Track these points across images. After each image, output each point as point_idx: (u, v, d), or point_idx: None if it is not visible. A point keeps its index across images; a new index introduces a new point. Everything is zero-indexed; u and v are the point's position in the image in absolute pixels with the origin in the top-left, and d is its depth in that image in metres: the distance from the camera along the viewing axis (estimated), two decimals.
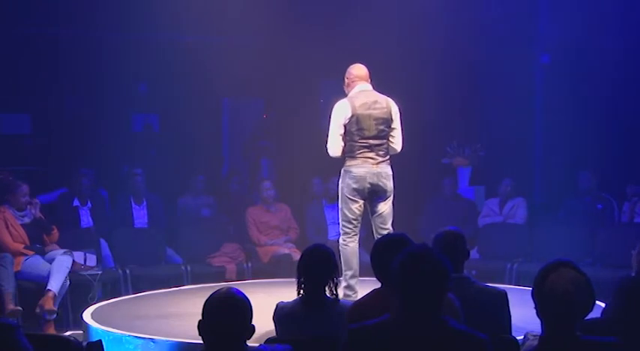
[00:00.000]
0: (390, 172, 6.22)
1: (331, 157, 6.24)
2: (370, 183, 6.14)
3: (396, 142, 6.24)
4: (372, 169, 6.13)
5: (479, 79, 10.08)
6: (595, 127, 9.59)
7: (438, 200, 9.60)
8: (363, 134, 6.10)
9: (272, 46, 10.29)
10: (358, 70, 6.28)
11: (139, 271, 8.42)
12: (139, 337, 5.49)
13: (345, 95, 6.28)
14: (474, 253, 8.92)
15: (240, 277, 8.66)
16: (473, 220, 9.36)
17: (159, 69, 10.30)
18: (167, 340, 5.37)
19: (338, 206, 9.13)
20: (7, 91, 9.95)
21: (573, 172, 9.34)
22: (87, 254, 8.08)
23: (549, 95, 10.24)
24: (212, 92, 11.12)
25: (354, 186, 6.16)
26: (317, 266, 4.25)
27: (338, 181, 6.34)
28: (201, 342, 3.01)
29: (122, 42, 10.28)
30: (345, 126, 6.11)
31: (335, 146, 6.16)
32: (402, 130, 6.26)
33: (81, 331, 6.31)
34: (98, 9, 9.53)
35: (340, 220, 6.33)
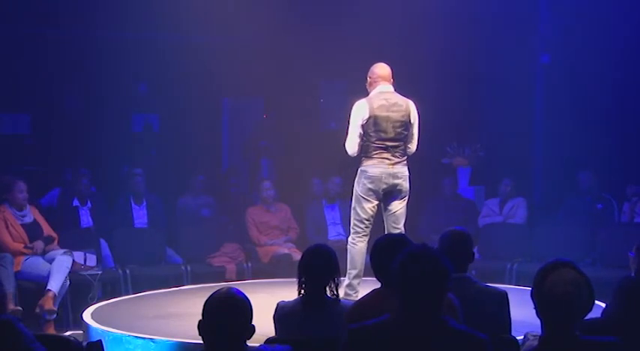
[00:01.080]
0: (407, 173, 6.26)
1: (349, 156, 6.27)
2: (386, 183, 6.17)
3: (412, 144, 6.30)
4: (387, 169, 6.16)
5: (479, 79, 10.08)
6: (595, 127, 9.60)
7: (438, 200, 9.59)
8: (379, 136, 6.14)
9: (272, 46, 10.29)
10: (381, 69, 6.30)
11: (139, 271, 8.41)
12: (139, 337, 5.49)
13: (366, 94, 6.31)
14: None
15: (240, 277, 8.65)
16: (473, 220, 9.35)
17: (159, 69, 10.30)
18: (167, 340, 5.37)
19: (337, 206, 9.29)
20: (7, 91, 9.95)
21: (573, 172, 9.34)
22: (87, 254, 8.08)
23: (549, 95, 10.25)
24: (212, 92, 11.12)
25: (370, 186, 6.18)
26: (318, 266, 4.25)
27: (353, 180, 6.35)
28: (201, 342, 3.01)
29: (122, 42, 10.28)
30: (362, 126, 6.13)
31: (353, 145, 6.20)
32: (419, 132, 6.31)
33: (81, 331, 6.31)
34: (98, 9, 9.53)
35: (352, 219, 6.34)
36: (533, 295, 2.96)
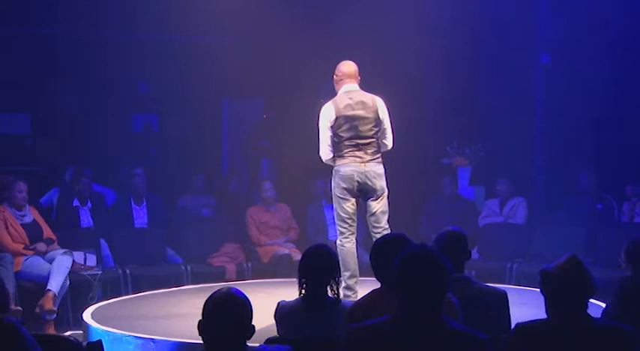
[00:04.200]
0: (381, 171, 6.19)
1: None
2: (358, 181, 6.13)
3: (387, 139, 6.25)
4: (359, 167, 6.13)
5: (479, 79, 10.08)
6: (595, 127, 9.59)
7: (438, 200, 9.59)
8: (349, 134, 6.11)
9: (272, 46, 10.29)
10: (346, 67, 6.25)
11: (139, 271, 8.42)
12: (139, 337, 5.48)
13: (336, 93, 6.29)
14: (473, 253, 8.90)
15: (240, 277, 8.65)
16: (473, 220, 9.35)
17: (159, 69, 10.30)
18: (167, 340, 5.37)
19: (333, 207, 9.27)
20: (7, 91, 9.95)
21: (573, 172, 9.34)
22: (87, 254, 8.08)
23: (549, 95, 10.24)
24: (212, 92, 11.11)
25: (343, 185, 6.16)
26: (319, 266, 4.25)
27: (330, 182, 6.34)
28: (201, 342, 3.01)
29: (122, 42, 10.29)
30: (331, 128, 6.13)
31: (325, 151, 6.18)
32: (392, 126, 6.26)
33: (81, 331, 6.30)
34: (98, 9, 9.53)
35: (336, 221, 6.33)
36: (540, 289, 3.04)
